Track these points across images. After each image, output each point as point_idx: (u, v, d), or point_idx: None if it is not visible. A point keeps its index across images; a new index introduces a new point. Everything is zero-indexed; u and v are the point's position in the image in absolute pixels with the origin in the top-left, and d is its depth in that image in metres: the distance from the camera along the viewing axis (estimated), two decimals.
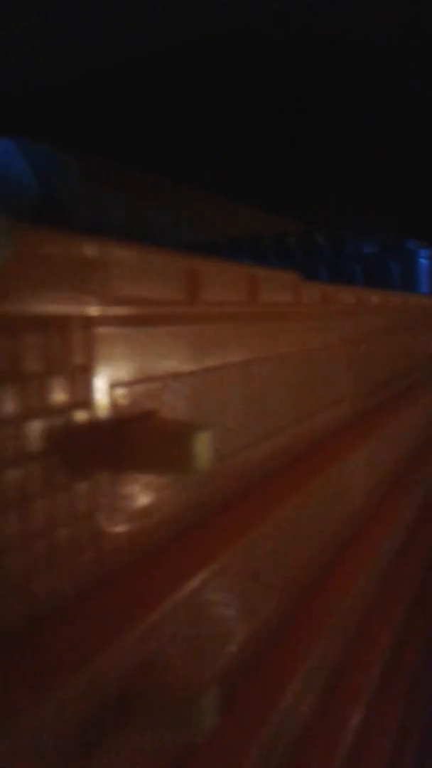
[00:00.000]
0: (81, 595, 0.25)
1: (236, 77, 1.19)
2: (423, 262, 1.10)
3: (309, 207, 1.84)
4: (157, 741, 0.26)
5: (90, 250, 0.21)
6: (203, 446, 0.25)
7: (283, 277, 0.36)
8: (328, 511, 0.49)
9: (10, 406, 0.22)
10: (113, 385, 0.27)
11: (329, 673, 0.47)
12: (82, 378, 0.25)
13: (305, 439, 0.44)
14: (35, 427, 0.23)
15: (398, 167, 1.52)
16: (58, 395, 0.24)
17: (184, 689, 0.26)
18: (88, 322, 0.24)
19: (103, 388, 0.26)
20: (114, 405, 0.27)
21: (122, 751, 0.25)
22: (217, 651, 0.33)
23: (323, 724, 0.43)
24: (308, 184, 1.69)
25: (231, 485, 0.36)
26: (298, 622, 0.42)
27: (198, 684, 0.26)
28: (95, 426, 0.26)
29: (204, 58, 1.11)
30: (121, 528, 0.27)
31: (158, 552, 0.29)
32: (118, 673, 0.24)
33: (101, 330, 0.25)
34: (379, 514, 0.65)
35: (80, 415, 0.25)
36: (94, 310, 0.23)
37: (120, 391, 0.27)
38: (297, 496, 0.39)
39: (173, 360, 0.30)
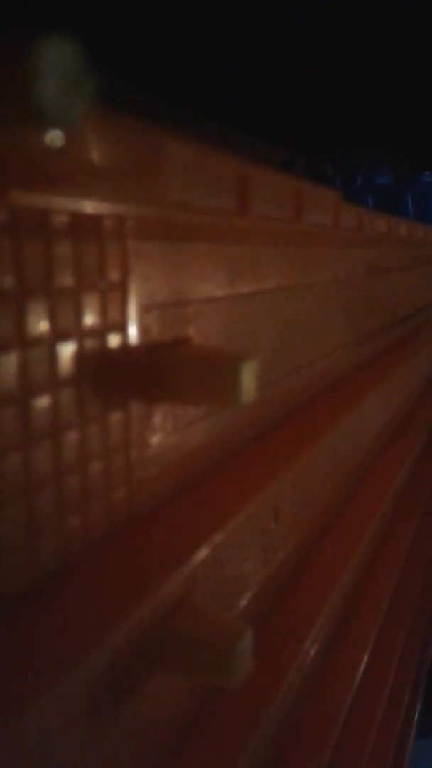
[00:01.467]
0: (114, 534, 0.23)
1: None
2: None
3: (315, 138, 1.74)
4: (189, 686, 0.25)
5: (145, 141, 0.18)
6: (250, 377, 0.23)
7: (327, 195, 0.33)
8: (346, 448, 0.47)
9: (42, 325, 0.19)
10: (148, 307, 0.24)
11: (342, 609, 0.46)
12: (115, 297, 0.22)
13: (335, 372, 0.42)
14: (66, 351, 0.20)
15: (412, 95, 1.43)
16: (90, 315, 0.21)
17: (217, 633, 0.24)
18: (127, 230, 0.21)
19: (137, 310, 0.23)
20: (149, 329, 0.24)
21: (153, 697, 0.23)
22: (244, 592, 0.32)
23: (338, 657, 0.43)
24: (314, 113, 1.59)
25: (261, 420, 0.34)
26: (317, 560, 0.41)
27: (230, 628, 0.25)
28: (129, 352, 0.23)
29: None
30: (155, 463, 0.25)
31: (190, 489, 0.27)
32: (153, 616, 0.22)
33: (139, 242, 0.22)
34: (389, 452, 0.64)
35: (113, 340, 0.22)
36: (136, 215, 0.20)
37: (155, 314, 0.24)
38: (325, 432, 0.37)
39: (210, 282, 0.27)
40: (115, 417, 0.23)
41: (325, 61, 1.27)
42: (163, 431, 0.26)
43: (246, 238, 0.28)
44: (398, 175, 1.04)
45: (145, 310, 0.24)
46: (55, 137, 0.10)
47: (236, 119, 1.58)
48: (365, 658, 0.48)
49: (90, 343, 0.21)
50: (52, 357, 0.19)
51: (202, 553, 0.25)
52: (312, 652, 0.38)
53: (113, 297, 0.22)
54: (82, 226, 0.19)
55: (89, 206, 0.18)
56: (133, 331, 0.23)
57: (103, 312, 0.21)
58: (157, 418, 0.25)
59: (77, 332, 0.20)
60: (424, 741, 0.71)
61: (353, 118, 1.53)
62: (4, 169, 0.12)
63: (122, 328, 0.22)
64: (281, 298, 0.34)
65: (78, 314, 0.20)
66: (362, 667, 0.47)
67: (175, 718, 0.24)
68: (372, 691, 0.51)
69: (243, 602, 0.32)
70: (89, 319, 0.21)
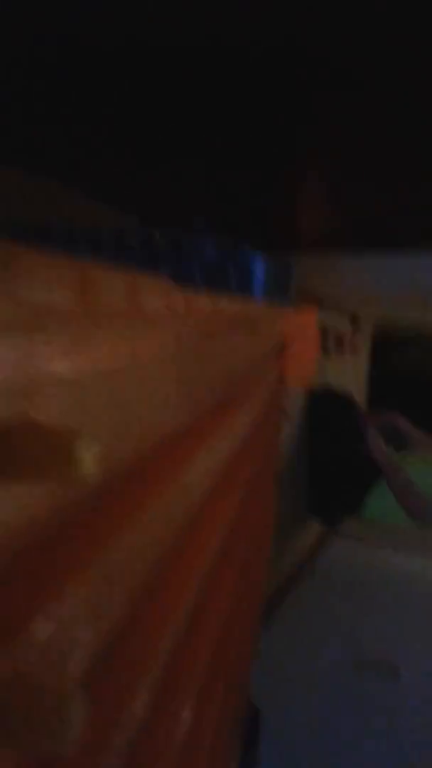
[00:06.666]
0: None
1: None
2: (259, 268, 1.15)
3: (142, 201, 1.73)
4: (22, 755, 0.26)
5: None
6: (89, 452, 0.25)
7: (157, 284, 0.37)
8: (175, 511, 0.50)
9: None
10: None
11: (163, 670, 0.48)
12: None
13: (168, 439, 0.45)
14: None
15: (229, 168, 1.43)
16: None
17: (46, 700, 0.25)
18: None
19: None
20: None
21: None
22: (73, 658, 0.32)
23: (162, 715, 0.45)
24: (141, 174, 1.50)
25: (90, 493, 0.35)
26: (144, 621, 0.43)
27: (60, 694, 0.26)
28: None
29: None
30: None
31: (25, 561, 0.28)
32: None
33: None
34: (209, 515, 0.67)
35: None
36: None
37: None
38: (154, 501, 0.40)
39: (47, 363, 0.29)
40: None
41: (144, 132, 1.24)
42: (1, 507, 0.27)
43: (82, 324, 0.31)
44: (222, 249, 1.13)
45: None
46: None
47: (61, 174, 1.41)
48: (188, 716, 0.50)
49: None
50: None
51: (35, 623, 0.26)
52: (139, 711, 0.39)
53: None
54: None
55: None
56: None
57: None
58: None
59: None
60: None
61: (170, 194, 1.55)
62: None
63: None
64: (118, 376, 0.37)
65: None
66: (186, 724, 0.49)
67: None
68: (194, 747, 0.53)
69: (74, 667, 0.33)
70: None
